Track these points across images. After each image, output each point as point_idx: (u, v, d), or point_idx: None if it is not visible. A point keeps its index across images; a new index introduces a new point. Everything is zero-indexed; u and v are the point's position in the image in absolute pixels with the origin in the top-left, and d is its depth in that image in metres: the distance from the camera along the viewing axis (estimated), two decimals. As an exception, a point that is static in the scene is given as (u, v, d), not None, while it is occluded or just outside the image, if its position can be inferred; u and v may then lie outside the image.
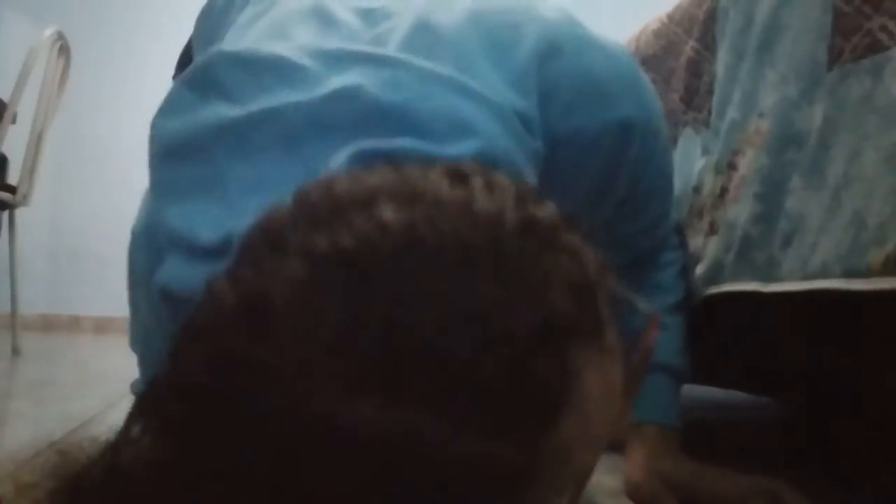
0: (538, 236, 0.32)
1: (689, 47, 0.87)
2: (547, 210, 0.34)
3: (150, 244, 0.48)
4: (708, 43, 0.83)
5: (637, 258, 0.76)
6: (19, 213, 2.32)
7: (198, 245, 0.43)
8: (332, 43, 0.51)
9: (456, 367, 0.28)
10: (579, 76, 0.55)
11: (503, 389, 0.29)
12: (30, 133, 2.27)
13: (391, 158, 0.39)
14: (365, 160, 0.41)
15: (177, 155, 0.47)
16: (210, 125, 0.46)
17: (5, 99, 2.19)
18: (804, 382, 0.94)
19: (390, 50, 0.51)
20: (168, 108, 0.50)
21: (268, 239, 0.32)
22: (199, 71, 0.50)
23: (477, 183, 0.34)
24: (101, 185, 3.87)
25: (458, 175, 0.34)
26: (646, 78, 0.64)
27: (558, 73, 0.54)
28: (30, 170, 2.27)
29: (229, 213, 0.43)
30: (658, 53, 0.94)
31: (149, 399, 0.32)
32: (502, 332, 0.29)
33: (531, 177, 0.51)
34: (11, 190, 2.24)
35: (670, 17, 0.93)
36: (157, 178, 0.49)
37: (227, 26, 0.67)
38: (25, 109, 2.31)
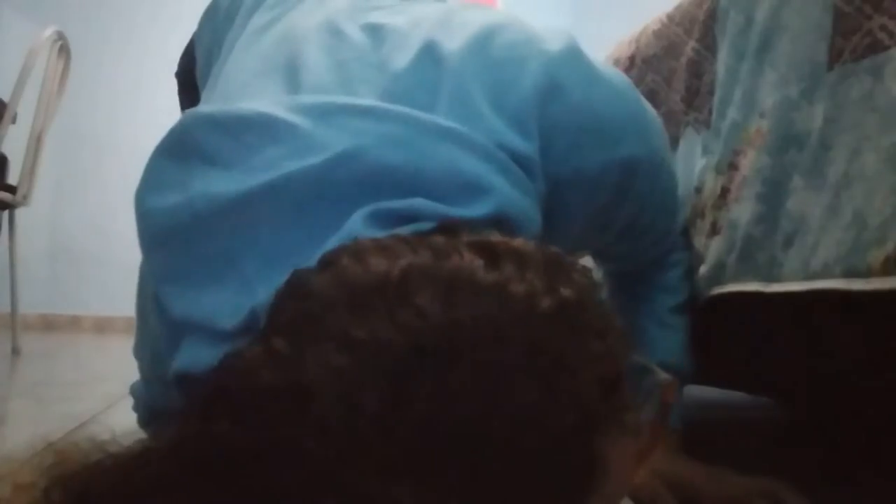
0: (569, 321, 0.33)
1: (689, 48, 0.86)
2: (573, 282, 0.35)
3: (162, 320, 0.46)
4: (708, 43, 0.83)
5: (642, 265, 0.78)
6: (19, 213, 2.32)
7: (219, 330, 0.41)
8: (315, 98, 0.49)
9: (489, 458, 0.29)
10: (582, 116, 0.54)
11: (533, 482, 0.30)
12: (30, 133, 2.27)
13: (409, 217, 0.40)
14: (382, 221, 0.41)
15: (176, 238, 0.45)
16: (207, 202, 0.43)
17: (5, 99, 2.19)
18: (804, 382, 0.94)
19: (392, 76, 0.50)
20: (153, 183, 0.47)
21: (303, 311, 0.32)
22: (176, 138, 0.48)
23: (508, 264, 0.34)
24: (100, 185, 3.87)
25: (489, 252, 0.35)
26: (649, 110, 0.63)
27: (560, 113, 0.53)
28: (30, 170, 2.27)
29: (247, 294, 0.41)
30: (659, 54, 0.94)
31: (176, 457, 0.31)
32: (535, 427, 0.30)
33: (538, 221, 0.50)
34: (11, 190, 2.24)
35: (670, 17, 0.93)
36: (158, 263, 0.47)
37: (232, 29, 0.67)
38: (25, 109, 2.31)
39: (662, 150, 0.65)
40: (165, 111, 4.25)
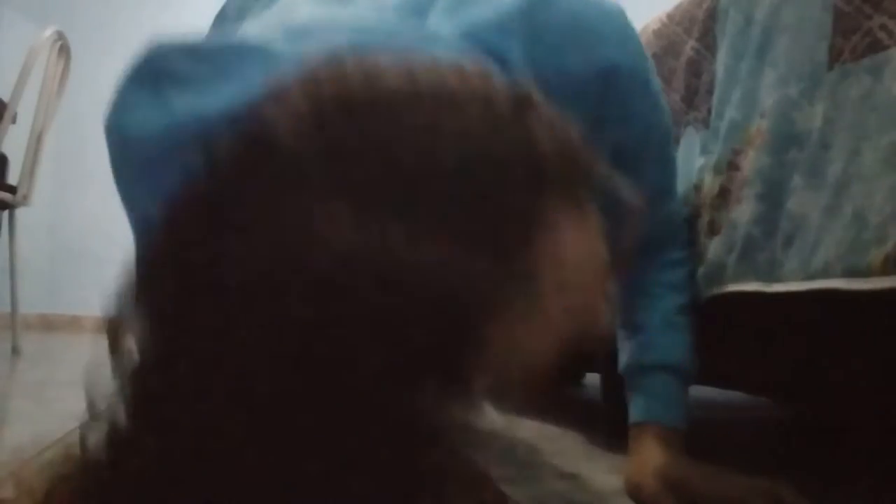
0: (531, 104, 0.36)
1: (689, 47, 0.86)
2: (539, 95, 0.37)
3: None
4: (708, 43, 0.83)
5: (645, 245, 0.74)
6: (19, 213, 2.32)
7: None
8: (301, 16, 0.50)
9: (437, 184, 0.31)
10: (565, 21, 0.58)
11: (479, 208, 0.32)
12: (30, 133, 2.27)
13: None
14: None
15: (164, 153, 0.42)
16: (194, 118, 0.41)
17: (5, 99, 2.19)
18: (804, 382, 0.94)
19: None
20: (124, 108, 0.47)
21: (272, 92, 0.35)
22: (144, 67, 0.46)
23: (471, 62, 0.38)
24: (101, 185, 3.87)
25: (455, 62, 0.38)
26: (634, 31, 0.65)
27: (546, 19, 0.57)
28: (30, 170, 2.27)
29: None
30: (658, 53, 0.94)
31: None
32: (486, 159, 0.32)
33: None
34: (11, 190, 2.24)
35: (670, 16, 0.93)
36: (146, 191, 0.45)
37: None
38: (25, 109, 2.31)
39: (644, 70, 0.67)
40: (165, 111, 4.17)
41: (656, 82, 0.72)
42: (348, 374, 0.30)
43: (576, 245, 0.36)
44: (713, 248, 0.76)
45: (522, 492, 0.68)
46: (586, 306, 0.38)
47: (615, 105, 0.63)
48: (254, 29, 0.52)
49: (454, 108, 0.34)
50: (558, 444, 0.96)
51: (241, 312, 0.31)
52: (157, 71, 0.46)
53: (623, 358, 0.77)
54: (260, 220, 0.32)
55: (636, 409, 0.75)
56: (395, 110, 0.33)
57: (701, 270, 0.78)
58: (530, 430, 1.09)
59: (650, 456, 0.70)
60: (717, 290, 0.74)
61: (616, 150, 0.62)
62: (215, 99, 0.41)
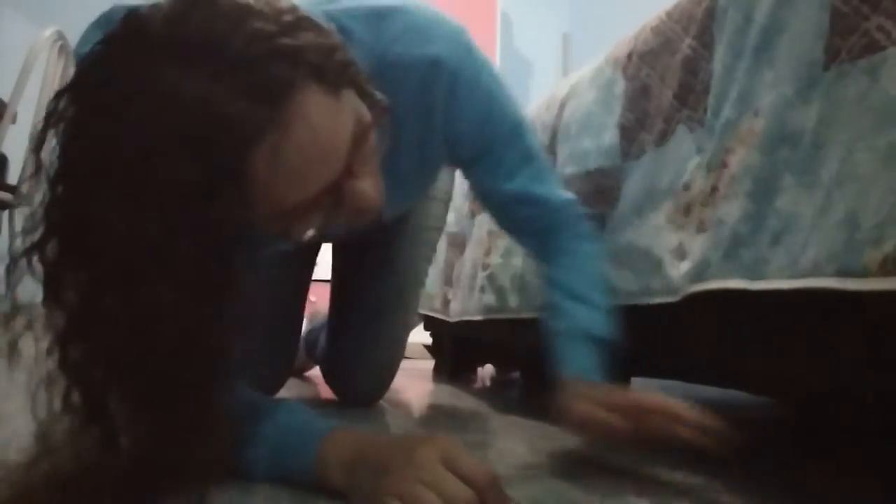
0: (317, 26, 0.56)
1: (686, 45, 0.86)
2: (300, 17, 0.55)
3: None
4: (706, 41, 0.83)
5: (532, 227, 0.90)
6: (19, 212, 2.32)
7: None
8: None
9: (228, 51, 0.48)
10: (408, 20, 0.75)
11: (248, 68, 0.49)
12: (30, 133, 2.27)
13: None
14: None
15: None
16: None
17: (5, 99, 2.19)
18: (804, 382, 0.94)
19: None
20: (88, 41, 0.63)
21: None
22: (103, 16, 0.65)
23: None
24: (101, 185, 3.86)
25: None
26: (470, 42, 0.80)
27: (394, 17, 0.74)
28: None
29: None
30: (655, 49, 0.94)
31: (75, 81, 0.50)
32: (267, 43, 0.50)
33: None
34: (11, 190, 2.24)
35: (669, 14, 0.93)
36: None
37: None
38: (25, 109, 2.31)
39: (474, 69, 0.79)
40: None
41: (495, 83, 0.82)
42: (168, 181, 0.46)
43: (318, 112, 0.52)
44: (698, 245, 0.76)
45: (522, 492, 0.68)
46: (321, 159, 0.54)
47: (442, 93, 0.78)
48: None
49: (254, 13, 0.51)
50: (558, 444, 0.96)
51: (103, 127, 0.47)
52: (109, 17, 0.64)
53: (547, 329, 0.90)
54: (130, 77, 0.48)
55: (564, 362, 0.85)
56: (203, 6, 0.50)
57: (684, 267, 0.78)
58: (530, 429, 1.09)
59: (574, 393, 0.78)
60: (699, 287, 0.75)
61: (462, 144, 0.82)
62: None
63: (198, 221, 0.47)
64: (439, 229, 1.31)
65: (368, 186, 0.60)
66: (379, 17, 0.74)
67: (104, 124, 0.47)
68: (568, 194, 0.93)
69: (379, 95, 0.62)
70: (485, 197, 0.92)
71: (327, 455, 0.60)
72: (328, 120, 0.53)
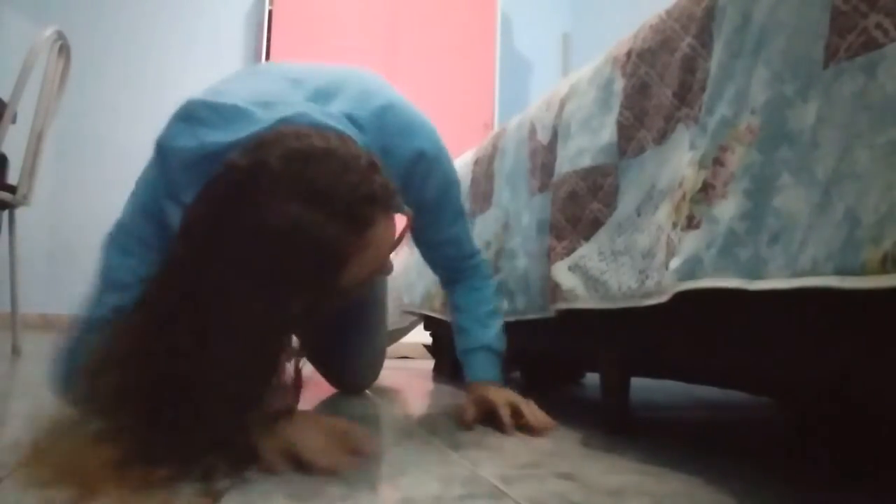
0: (375, 162, 0.79)
1: (685, 44, 0.86)
2: (374, 155, 0.82)
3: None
4: (704, 40, 0.83)
5: (453, 277, 1.26)
6: (19, 212, 2.32)
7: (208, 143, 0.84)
8: (266, 98, 0.90)
9: (329, 192, 0.72)
10: (399, 121, 1.02)
11: (346, 206, 0.73)
12: (30, 133, 2.27)
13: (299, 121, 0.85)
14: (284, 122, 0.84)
15: (196, 166, 0.82)
16: (213, 148, 0.82)
17: (5, 99, 2.19)
18: (804, 382, 0.94)
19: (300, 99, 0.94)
20: (175, 134, 0.86)
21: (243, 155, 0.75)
22: (184, 111, 0.87)
23: (335, 135, 0.81)
24: (100, 185, 3.87)
25: (342, 137, 0.82)
26: (436, 134, 1.10)
27: (388, 119, 1.00)
28: (30, 170, 2.27)
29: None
30: (654, 47, 0.94)
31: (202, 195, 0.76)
32: (352, 189, 0.74)
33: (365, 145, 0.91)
34: (11, 190, 2.24)
35: (668, 13, 0.93)
36: (181, 180, 0.84)
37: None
38: (25, 109, 2.31)
39: (443, 158, 1.11)
40: (165, 111, 4.22)
41: (451, 166, 1.15)
42: (282, 278, 0.71)
43: (384, 231, 0.79)
44: (689, 241, 0.75)
45: (522, 492, 0.68)
46: (384, 257, 0.84)
47: (418, 176, 1.07)
48: (240, 91, 0.90)
49: (344, 161, 0.76)
50: (558, 444, 0.96)
51: (238, 248, 0.71)
52: (190, 114, 0.86)
53: (458, 346, 1.25)
54: (246, 206, 0.71)
55: (470, 373, 1.20)
56: (314, 158, 0.74)
57: (673, 263, 0.78)
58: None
59: (474, 399, 1.14)
60: (690, 285, 0.74)
61: (421, 206, 1.08)
62: (221, 136, 0.83)
63: (299, 302, 0.75)
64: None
65: (391, 263, 0.91)
66: (379, 115, 0.99)
67: (243, 235, 0.71)
68: (477, 245, 1.29)
69: (405, 208, 0.88)
70: (423, 238, 1.23)
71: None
72: (389, 236, 0.82)
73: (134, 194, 0.91)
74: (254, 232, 0.70)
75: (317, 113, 0.87)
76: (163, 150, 0.85)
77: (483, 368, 1.18)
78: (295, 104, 0.88)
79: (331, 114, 0.90)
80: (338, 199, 0.72)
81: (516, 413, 1.07)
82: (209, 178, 0.75)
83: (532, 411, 1.08)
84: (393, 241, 0.83)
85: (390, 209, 0.81)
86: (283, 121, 0.83)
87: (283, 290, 0.71)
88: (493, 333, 1.21)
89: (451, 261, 1.25)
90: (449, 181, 1.14)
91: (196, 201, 0.75)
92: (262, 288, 0.70)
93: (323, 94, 0.97)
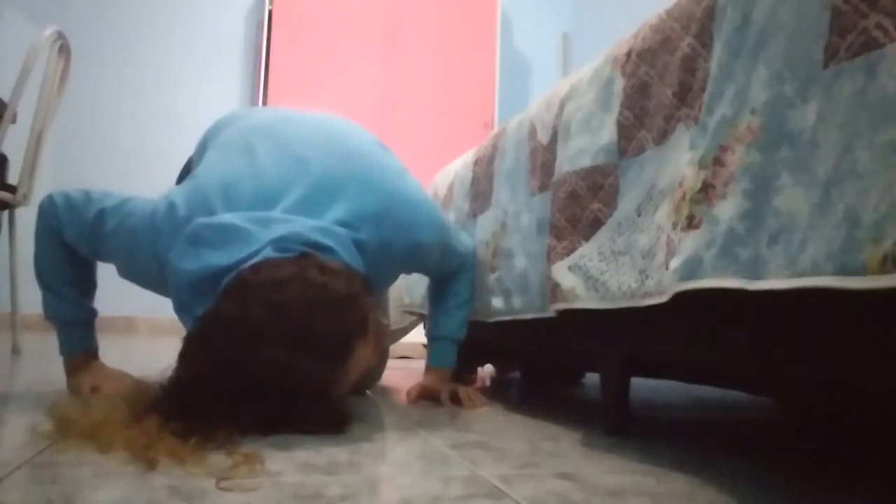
0: (348, 291, 0.93)
1: (685, 44, 0.86)
2: (350, 280, 0.95)
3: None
4: (705, 40, 0.83)
5: (439, 280, 1.46)
6: (19, 212, 2.32)
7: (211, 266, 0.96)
8: (261, 214, 1.01)
9: (310, 341, 0.88)
10: (399, 219, 1.13)
11: (326, 345, 0.89)
12: (30, 133, 2.27)
13: (290, 248, 0.97)
14: (279, 249, 0.96)
15: (200, 282, 0.95)
16: (214, 267, 0.95)
17: (5, 99, 2.19)
18: (804, 382, 0.94)
19: (308, 190, 1.08)
20: (183, 255, 0.97)
21: (235, 289, 0.92)
22: (191, 234, 0.98)
23: (330, 274, 0.94)
24: (100, 185, 3.87)
25: (324, 266, 0.94)
26: (436, 213, 1.24)
27: (388, 217, 1.11)
28: (30, 170, 2.27)
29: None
30: (654, 47, 0.94)
31: (196, 336, 0.91)
32: (328, 328, 0.89)
33: (361, 265, 1.04)
34: (11, 190, 2.24)
35: (669, 13, 0.93)
36: (189, 298, 0.96)
37: (207, 149, 1.24)
38: (25, 109, 2.31)
39: (441, 240, 1.26)
40: (164, 111, 4.29)
41: (448, 232, 1.31)
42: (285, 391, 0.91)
43: (363, 353, 0.93)
44: (689, 241, 0.75)
45: (522, 492, 0.68)
46: (365, 367, 0.96)
47: (419, 259, 1.22)
48: (246, 185, 1.07)
49: (323, 303, 0.89)
50: (558, 444, 0.96)
51: (239, 377, 0.89)
52: (195, 236, 0.98)
53: (426, 330, 1.53)
54: (237, 352, 0.88)
55: (430, 359, 1.46)
56: (295, 306, 0.88)
57: (673, 263, 0.78)
58: (530, 429, 1.09)
59: (423, 380, 1.43)
60: (690, 285, 0.74)
61: (420, 269, 1.33)
62: (223, 259, 0.95)
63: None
64: None
65: (375, 355, 0.98)
66: (377, 217, 1.10)
67: (240, 376, 0.88)
68: (465, 246, 1.45)
69: (377, 314, 0.99)
70: (427, 274, 1.43)
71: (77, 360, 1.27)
72: (367, 354, 0.94)
73: (135, 230, 1.08)
74: (247, 373, 0.87)
75: (312, 232, 0.99)
76: (171, 267, 0.99)
77: (441, 356, 1.44)
78: (290, 224, 0.99)
79: (326, 229, 1.01)
80: (317, 341, 0.87)
81: (454, 397, 1.36)
82: (210, 298, 0.92)
83: (467, 395, 1.36)
84: (372, 352, 0.96)
85: (367, 332, 0.93)
86: (278, 241, 0.96)
87: (279, 398, 0.91)
88: (456, 324, 1.44)
89: (444, 275, 1.45)
90: (446, 248, 1.31)
91: (193, 338, 0.91)
92: (266, 403, 0.90)
93: (324, 192, 1.08)
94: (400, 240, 1.13)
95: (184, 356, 0.90)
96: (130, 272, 1.13)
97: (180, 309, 0.98)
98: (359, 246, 1.06)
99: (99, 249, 1.14)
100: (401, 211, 1.13)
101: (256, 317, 0.86)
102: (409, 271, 1.32)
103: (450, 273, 1.43)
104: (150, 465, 0.71)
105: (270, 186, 1.06)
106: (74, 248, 1.19)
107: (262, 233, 0.96)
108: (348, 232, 1.05)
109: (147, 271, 1.08)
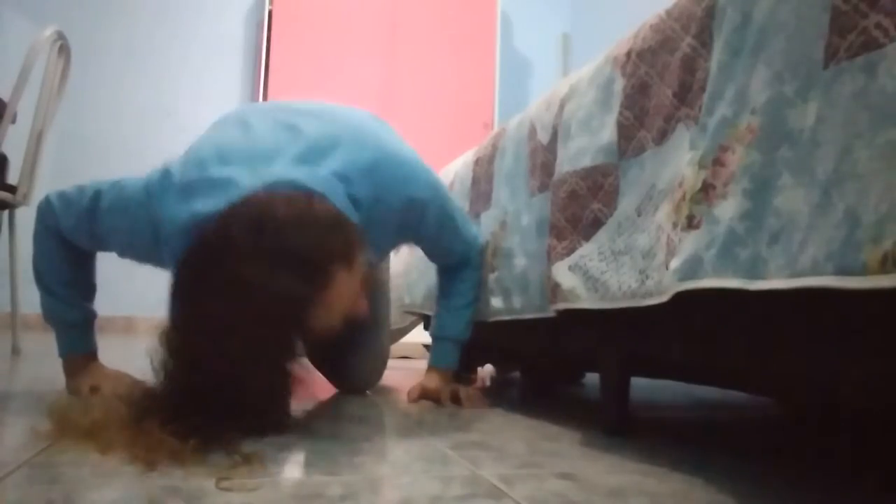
0: (334, 219, 0.93)
1: (685, 44, 0.86)
2: (345, 218, 0.97)
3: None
4: (704, 40, 0.83)
5: (448, 264, 1.43)
6: (19, 212, 2.32)
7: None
8: (256, 166, 1.02)
9: (287, 253, 0.86)
10: (393, 173, 1.13)
11: (303, 263, 0.86)
12: (30, 133, 2.27)
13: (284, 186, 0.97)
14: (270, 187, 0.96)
15: (186, 230, 0.95)
16: (204, 216, 0.94)
17: (5, 99, 2.19)
18: (804, 382, 0.94)
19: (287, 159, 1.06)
20: (175, 206, 0.99)
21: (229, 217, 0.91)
22: (183, 185, 1.01)
23: (324, 204, 0.96)
24: (101, 185, 3.86)
25: (313, 200, 0.95)
26: (432, 173, 1.21)
27: (383, 172, 1.11)
28: (30, 170, 2.27)
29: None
30: (654, 47, 0.94)
31: (184, 260, 0.90)
32: (307, 246, 0.87)
33: (354, 215, 1.04)
34: (11, 190, 2.24)
35: (668, 12, 0.93)
36: (182, 248, 0.93)
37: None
38: (25, 109, 2.31)
39: (441, 200, 1.24)
40: (165, 111, 4.29)
41: (447, 201, 1.27)
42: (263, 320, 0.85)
43: (345, 282, 0.91)
44: (689, 241, 0.75)
45: (522, 492, 0.68)
46: (351, 304, 0.95)
47: (413, 219, 1.19)
48: (238, 144, 1.07)
49: (304, 223, 0.88)
50: (558, 444, 0.96)
51: (219, 307, 0.85)
52: (187, 187, 1.00)
53: (431, 328, 1.48)
54: (214, 270, 0.86)
55: (432, 359, 1.44)
56: (274, 225, 0.86)
57: (673, 264, 0.78)
58: (530, 429, 1.09)
59: (424, 380, 1.41)
60: (690, 285, 0.74)
61: (420, 239, 1.31)
62: (214, 204, 0.94)
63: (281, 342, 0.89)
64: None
65: (364, 306, 1.00)
66: (370, 170, 1.09)
67: (217, 295, 0.85)
68: (475, 237, 1.43)
69: (369, 255, 0.99)
70: (428, 249, 1.39)
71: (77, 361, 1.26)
72: (350, 286, 0.92)
73: (128, 208, 1.07)
74: (224, 291, 0.84)
75: (304, 177, 0.99)
76: (164, 220, 1.00)
77: (443, 357, 1.43)
78: (283, 170, 1.00)
79: (318, 176, 1.01)
80: (295, 258, 0.85)
81: (455, 397, 1.36)
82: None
83: (467, 395, 1.36)
84: (356, 290, 0.94)
85: (352, 264, 0.91)
86: (270, 185, 0.95)
87: (262, 334, 0.85)
88: (460, 325, 1.43)
89: (448, 261, 1.43)
90: (444, 216, 1.28)
91: (178, 266, 0.90)
92: (244, 337, 0.84)
93: (318, 150, 1.07)
94: (394, 195, 1.12)
95: (173, 292, 0.89)
96: (130, 247, 1.12)
97: (173, 257, 0.96)
98: (354, 201, 1.05)
99: (97, 233, 1.13)
100: (395, 166, 1.13)
101: (237, 233, 0.85)
102: (407, 239, 1.31)
103: (455, 262, 1.41)
104: (150, 466, 0.70)
105: (265, 148, 1.06)
106: (74, 243, 1.18)
107: (255, 181, 0.96)
108: (344, 187, 1.04)
109: (145, 243, 1.06)
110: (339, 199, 1.01)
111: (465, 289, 1.43)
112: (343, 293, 0.91)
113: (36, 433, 0.83)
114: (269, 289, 0.83)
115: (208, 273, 0.86)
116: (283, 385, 0.91)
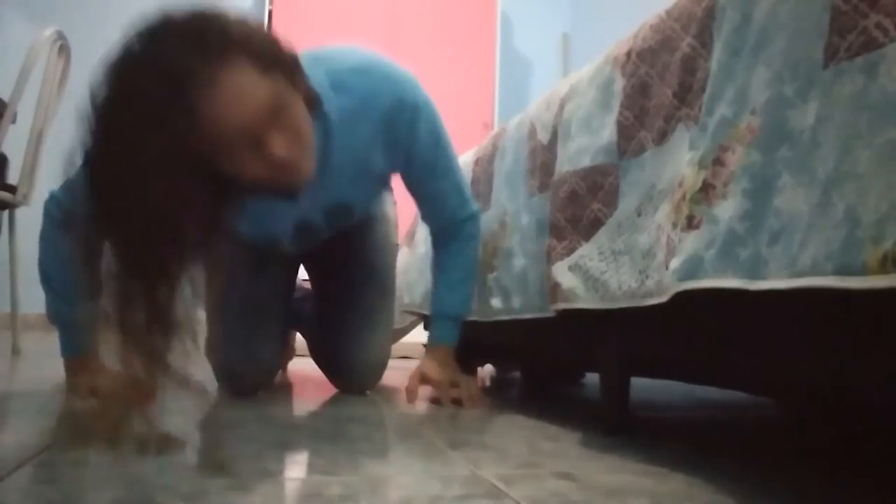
0: (263, 28, 0.88)
1: (685, 44, 0.86)
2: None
3: None
4: (705, 40, 0.83)
5: (442, 226, 1.37)
6: (19, 212, 2.32)
7: None
8: None
9: (180, 26, 0.79)
10: (382, 75, 1.13)
11: (194, 33, 0.79)
12: (30, 133, 2.27)
13: None
14: None
15: None
16: None
17: (5, 99, 2.19)
18: (804, 382, 0.94)
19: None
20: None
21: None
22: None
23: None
24: (101, 185, 3.86)
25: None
26: (422, 89, 1.20)
27: (371, 74, 1.13)
28: (30, 170, 2.27)
29: None
30: (654, 47, 0.94)
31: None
32: (205, 23, 0.80)
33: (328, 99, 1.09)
34: (11, 190, 2.24)
35: (668, 12, 0.93)
36: None
37: None
38: (25, 109, 2.31)
39: (427, 109, 1.18)
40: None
41: (437, 117, 1.22)
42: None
43: (242, 76, 0.81)
44: (689, 241, 0.75)
45: (522, 492, 0.68)
46: (241, 108, 0.82)
47: (403, 125, 1.15)
48: None
49: (221, 16, 0.82)
50: (558, 444, 0.96)
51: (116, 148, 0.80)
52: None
53: (430, 305, 1.42)
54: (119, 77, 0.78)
55: (430, 338, 1.40)
56: (187, 17, 0.80)
57: (673, 264, 0.78)
58: (530, 429, 1.09)
59: (423, 364, 1.37)
60: (691, 285, 0.74)
61: (412, 158, 1.22)
62: None
63: (167, 134, 0.74)
64: (396, 245, 1.68)
65: (280, 148, 0.87)
66: (360, 69, 1.12)
67: (120, 84, 0.77)
68: (471, 201, 1.38)
69: (315, 96, 1.00)
70: (417, 192, 1.31)
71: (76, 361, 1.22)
72: (249, 83, 0.81)
73: None
74: (116, 90, 0.77)
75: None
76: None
77: (443, 334, 1.39)
78: None
79: (310, 74, 0.99)
80: (185, 29, 0.78)
81: (453, 387, 1.32)
82: None
83: (468, 387, 1.32)
84: (260, 96, 0.82)
85: (257, 58, 0.82)
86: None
87: (143, 124, 0.74)
88: (458, 299, 1.39)
89: (442, 219, 1.36)
90: (437, 132, 1.23)
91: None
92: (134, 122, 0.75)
93: (316, 57, 1.08)
94: (380, 94, 1.12)
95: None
96: None
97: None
98: (340, 97, 1.07)
99: None
100: (383, 67, 1.15)
101: (130, 43, 0.78)
102: (398, 162, 1.24)
103: (448, 222, 1.37)
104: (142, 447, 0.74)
105: None
106: (81, 232, 1.13)
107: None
108: (329, 80, 1.06)
109: None
110: (317, 80, 1.01)
111: (461, 262, 1.39)
112: (241, 92, 0.81)
113: (43, 434, 0.83)
114: (155, 63, 0.75)
115: (108, 87, 0.78)
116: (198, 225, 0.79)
